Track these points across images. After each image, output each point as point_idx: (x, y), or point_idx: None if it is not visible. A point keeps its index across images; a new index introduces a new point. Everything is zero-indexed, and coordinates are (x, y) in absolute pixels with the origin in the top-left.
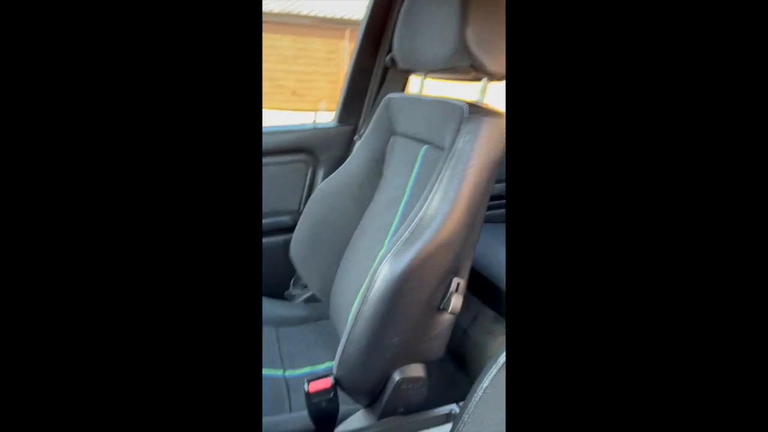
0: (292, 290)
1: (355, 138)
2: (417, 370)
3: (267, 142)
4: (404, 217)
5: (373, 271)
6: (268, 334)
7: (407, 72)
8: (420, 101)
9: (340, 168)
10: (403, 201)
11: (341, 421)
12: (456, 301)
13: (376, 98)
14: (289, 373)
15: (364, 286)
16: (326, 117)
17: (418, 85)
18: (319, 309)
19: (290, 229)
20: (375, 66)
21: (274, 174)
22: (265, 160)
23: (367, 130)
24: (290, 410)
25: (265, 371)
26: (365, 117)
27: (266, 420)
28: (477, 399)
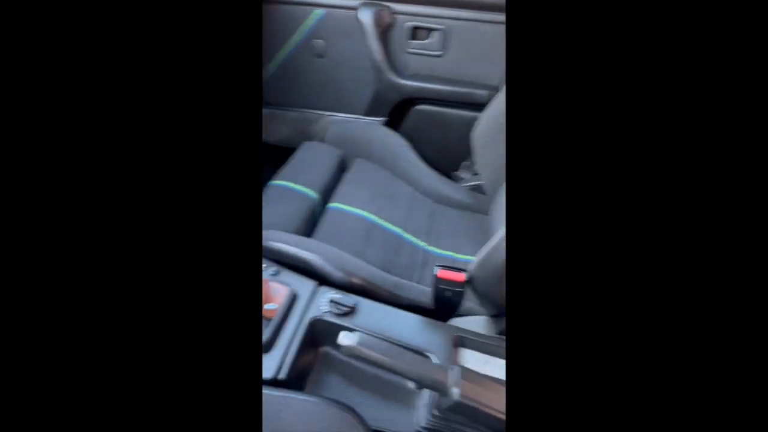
0: (461, 173)
1: None
2: None
3: None
4: None
5: None
6: (424, 204)
7: None
8: None
9: None
10: None
11: (462, 315)
12: None
13: None
14: (431, 248)
15: None
16: None
17: None
18: (482, 201)
19: (482, 106)
20: None
21: (484, 33)
22: (479, 15)
23: None
24: (418, 281)
25: (410, 237)
26: None
27: (393, 280)
28: None
